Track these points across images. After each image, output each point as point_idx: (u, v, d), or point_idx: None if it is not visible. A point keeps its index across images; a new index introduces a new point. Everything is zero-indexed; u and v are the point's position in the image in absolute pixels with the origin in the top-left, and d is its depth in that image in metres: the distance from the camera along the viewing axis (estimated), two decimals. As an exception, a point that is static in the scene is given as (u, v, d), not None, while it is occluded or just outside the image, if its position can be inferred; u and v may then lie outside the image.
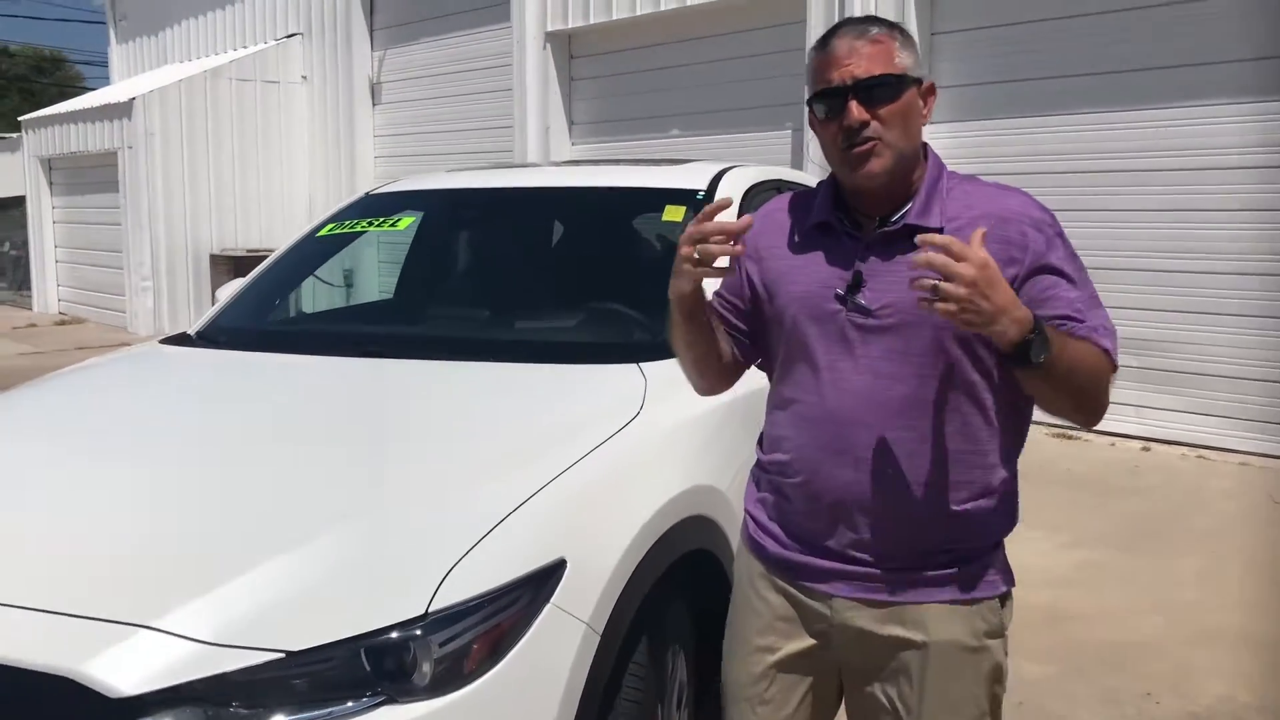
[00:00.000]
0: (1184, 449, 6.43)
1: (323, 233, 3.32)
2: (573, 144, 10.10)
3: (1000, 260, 1.63)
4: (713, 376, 1.99)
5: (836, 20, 7.97)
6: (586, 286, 2.99)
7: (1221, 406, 6.40)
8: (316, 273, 6.27)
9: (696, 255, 1.71)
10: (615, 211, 3.16)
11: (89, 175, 13.35)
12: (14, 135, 15.36)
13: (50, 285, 14.70)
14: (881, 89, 1.73)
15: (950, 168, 1.88)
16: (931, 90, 1.82)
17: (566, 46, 10.06)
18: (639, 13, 9.11)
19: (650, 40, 9.30)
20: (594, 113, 9.99)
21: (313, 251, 3.39)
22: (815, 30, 7.83)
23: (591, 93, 9.99)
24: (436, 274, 3.48)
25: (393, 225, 3.17)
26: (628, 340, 2.72)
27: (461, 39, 11.06)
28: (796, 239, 1.89)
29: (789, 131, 8.38)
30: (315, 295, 8.00)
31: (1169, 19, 6.35)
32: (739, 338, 1.97)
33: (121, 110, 12.10)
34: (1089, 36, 6.69)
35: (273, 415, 2.31)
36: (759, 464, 1.96)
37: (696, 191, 3.06)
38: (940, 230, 1.71)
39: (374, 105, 12.21)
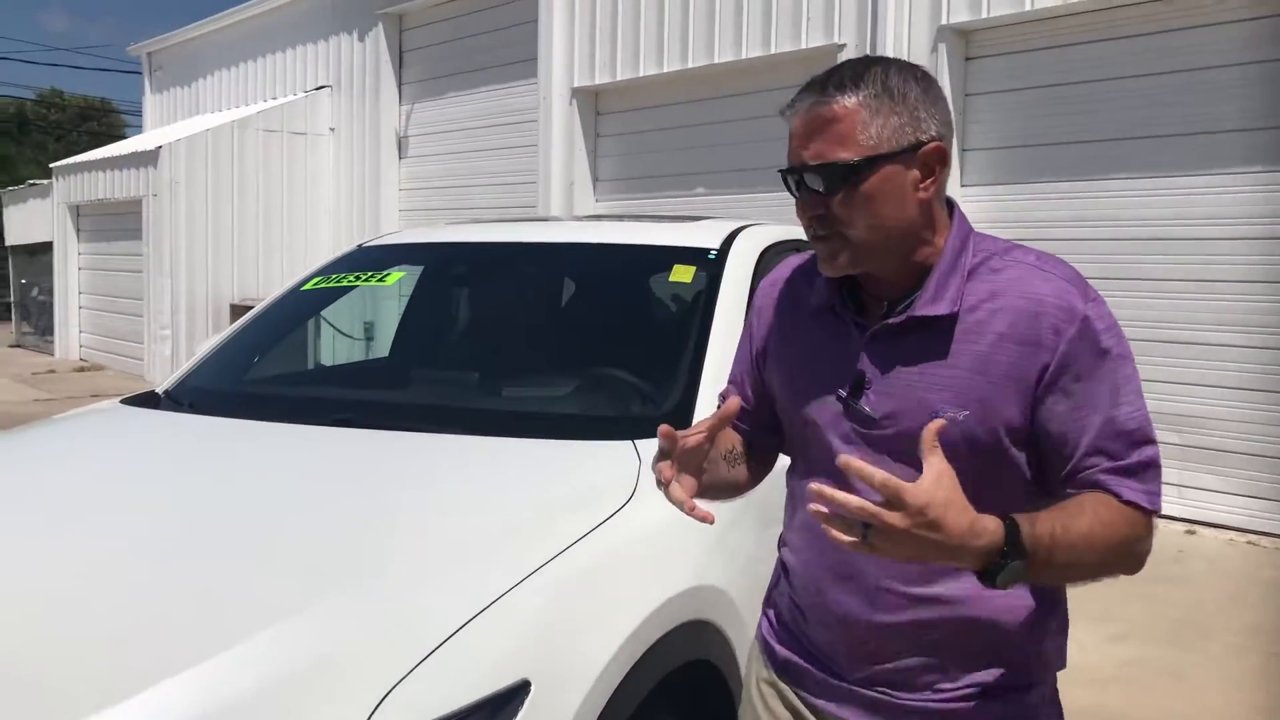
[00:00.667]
0: (1231, 533, 6.06)
1: (309, 286, 3.10)
2: (596, 200, 9.94)
3: (1025, 364, 1.42)
4: (734, 490, 1.73)
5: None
6: (585, 350, 2.73)
7: (1269, 489, 6.03)
8: (334, 323, 6.00)
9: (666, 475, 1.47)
10: (620, 270, 2.92)
11: (115, 222, 13.35)
12: (47, 181, 15.44)
13: (73, 331, 14.66)
14: (830, 178, 1.45)
15: (982, 229, 1.57)
16: (939, 155, 1.48)
17: (593, 103, 9.94)
18: (666, 69, 8.98)
19: (677, 98, 9.16)
20: (619, 169, 9.83)
21: (298, 306, 3.17)
22: (845, 89, 7.60)
23: (617, 149, 9.84)
24: (428, 334, 3.24)
25: (380, 280, 2.94)
26: (623, 413, 2.45)
27: (488, 94, 10.99)
28: (800, 320, 1.64)
29: (817, 192, 8.14)
30: (335, 348, 7.79)
31: (1207, 84, 6.11)
32: (759, 435, 1.73)
33: (148, 158, 12.09)
34: (1122, 99, 6.45)
35: (219, 495, 2.05)
36: (780, 555, 1.74)
37: (708, 250, 2.81)
38: (954, 319, 1.46)
39: (400, 158, 12.15)
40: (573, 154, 9.89)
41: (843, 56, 7.69)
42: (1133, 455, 1.42)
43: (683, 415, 2.33)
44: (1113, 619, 4.60)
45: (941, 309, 1.46)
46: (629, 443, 2.19)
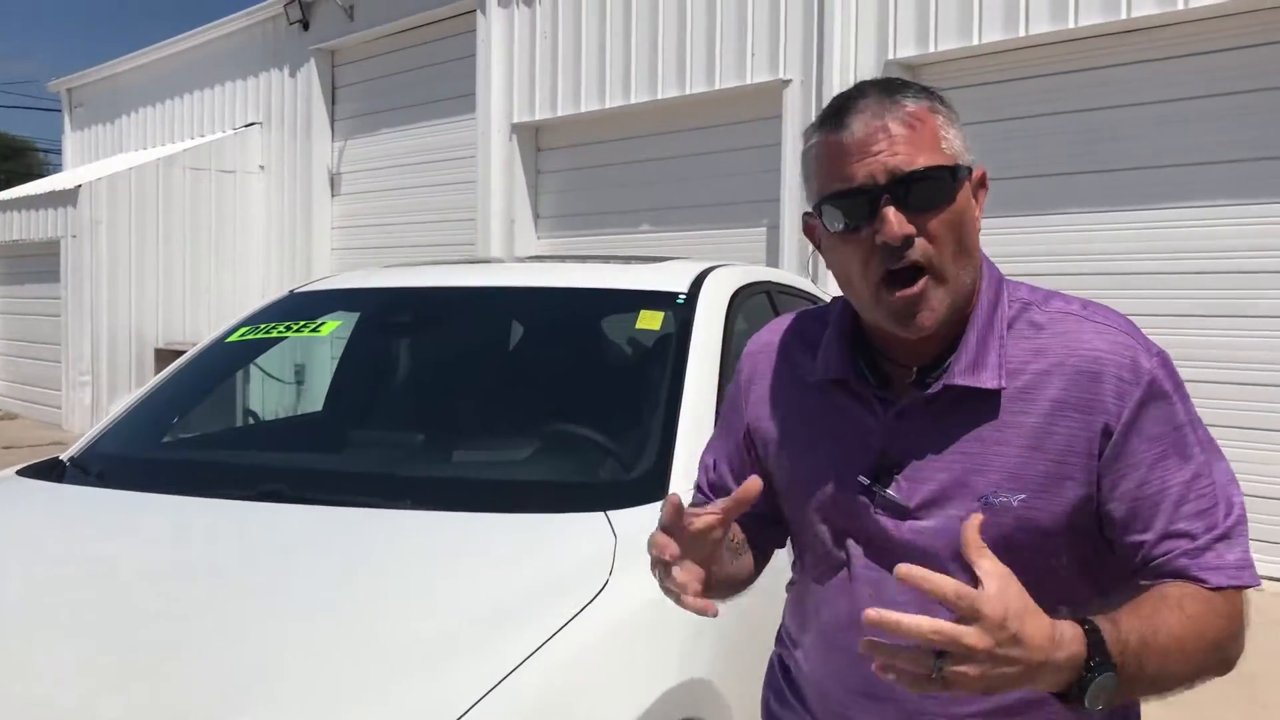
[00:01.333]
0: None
1: (234, 337, 2.80)
2: (538, 238, 9.70)
3: (1085, 433, 1.21)
4: (738, 587, 1.46)
5: (814, 115, 7.78)
6: (544, 407, 2.47)
7: (1263, 531, 5.93)
8: (263, 367, 5.61)
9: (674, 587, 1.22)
10: (579, 316, 2.67)
11: (31, 264, 12.77)
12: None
13: (-13, 379, 14.00)
14: (930, 189, 1.20)
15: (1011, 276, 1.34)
16: (983, 182, 1.29)
17: (533, 138, 9.72)
18: (608, 105, 8.80)
19: (620, 134, 8.98)
20: (561, 206, 9.61)
21: (222, 359, 2.86)
22: (792, 127, 7.51)
23: (558, 186, 9.63)
24: (366, 388, 2.95)
25: (314, 330, 2.65)
26: (593, 478, 2.19)
27: (425, 130, 10.73)
28: (802, 394, 1.38)
29: (764, 229, 8.01)
30: (264, 393, 7.39)
31: (1171, 116, 6.07)
32: (756, 526, 1.45)
33: (66, 198, 11.60)
34: (1075, 133, 6.39)
35: (122, 597, 1.74)
36: (779, 655, 1.52)
37: (676, 295, 2.58)
38: (999, 394, 1.23)
39: (333, 196, 11.80)
40: (513, 190, 9.65)
41: (788, 92, 7.58)
42: (1216, 534, 1.19)
43: (657, 478, 2.09)
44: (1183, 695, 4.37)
45: (986, 381, 1.24)
46: (601, 515, 1.94)
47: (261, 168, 12.43)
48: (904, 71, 7.04)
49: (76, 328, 11.61)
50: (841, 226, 1.24)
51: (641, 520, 1.94)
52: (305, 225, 11.85)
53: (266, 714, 1.38)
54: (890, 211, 1.19)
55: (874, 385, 1.31)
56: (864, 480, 1.29)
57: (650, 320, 2.51)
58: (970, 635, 1.00)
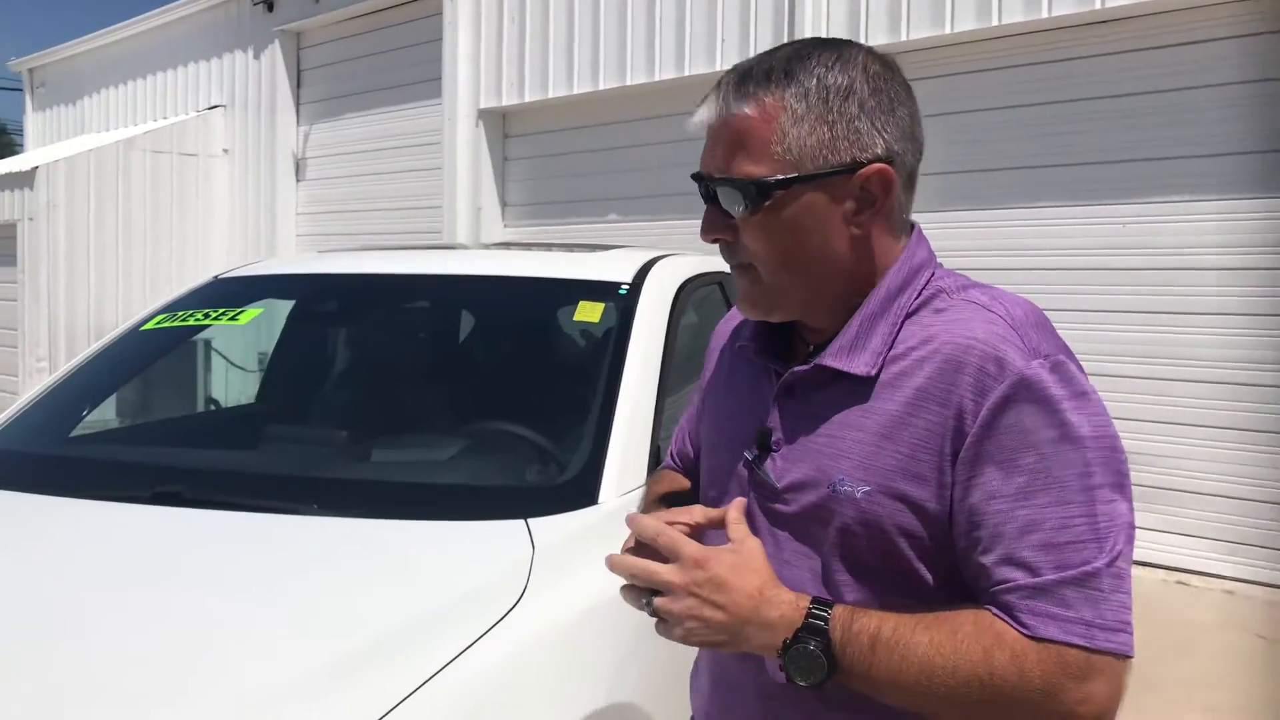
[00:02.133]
0: (1162, 573, 5.86)
1: (150, 325, 2.63)
2: (505, 226, 9.52)
3: (943, 429, 1.11)
4: None
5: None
6: (472, 404, 2.32)
7: (1202, 527, 5.85)
8: (224, 353, 5.39)
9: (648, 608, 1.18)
10: (515, 307, 2.51)
11: (-13, 248, 12.48)
12: (-86, 204, 14.43)
13: (-58, 363, 13.68)
14: (733, 197, 1.17)
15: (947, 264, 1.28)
16: (882, 181, 1.20)
17: (500, 125, 9.53)
18: (576, 92, 8.62)
19: (589, 120, 8.80)
20: (529, 194, 9.43)
21: (135, 349, 2.68)
22: (762, 113, 7.36)
23: (526, 173, 9.44)
24: (293, 382, 2.78)
25: (233, 319, 2.48)
26: (515, 481, 2.04)
27: (391, 114, 10.51)
28: (730, 363, 1.42)
29: (733, 219, 7.86)
30: (228, 383, 7.17)
31: (1137, 109, 5.96)
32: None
33: (23, 180, 11.31)
34: (1048, 126, 6.28)
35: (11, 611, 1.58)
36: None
37: (619, 285, 2.43)
38: (875, 378, 1.17)
39: (298, 181, 11.57)
40: (479, 178, 9.46)
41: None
42: (1068, 571, 1.05)
43: (587, 483, 1.94)
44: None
45: (857, 367, 1.19)
46: (520, 523, 1.79)
47: (225, 151, 12.17)
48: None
49: (33, 312, 11.34)
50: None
51: (565, 529, 1.80)
52: (270, 210, 11.61)
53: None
54: (706, 212, 1.23)
55: (771, 357, 1.29)
56: (748, 454, 1.28)
57: (589, 312, 2.36)
58: (666, 571, 1.08)
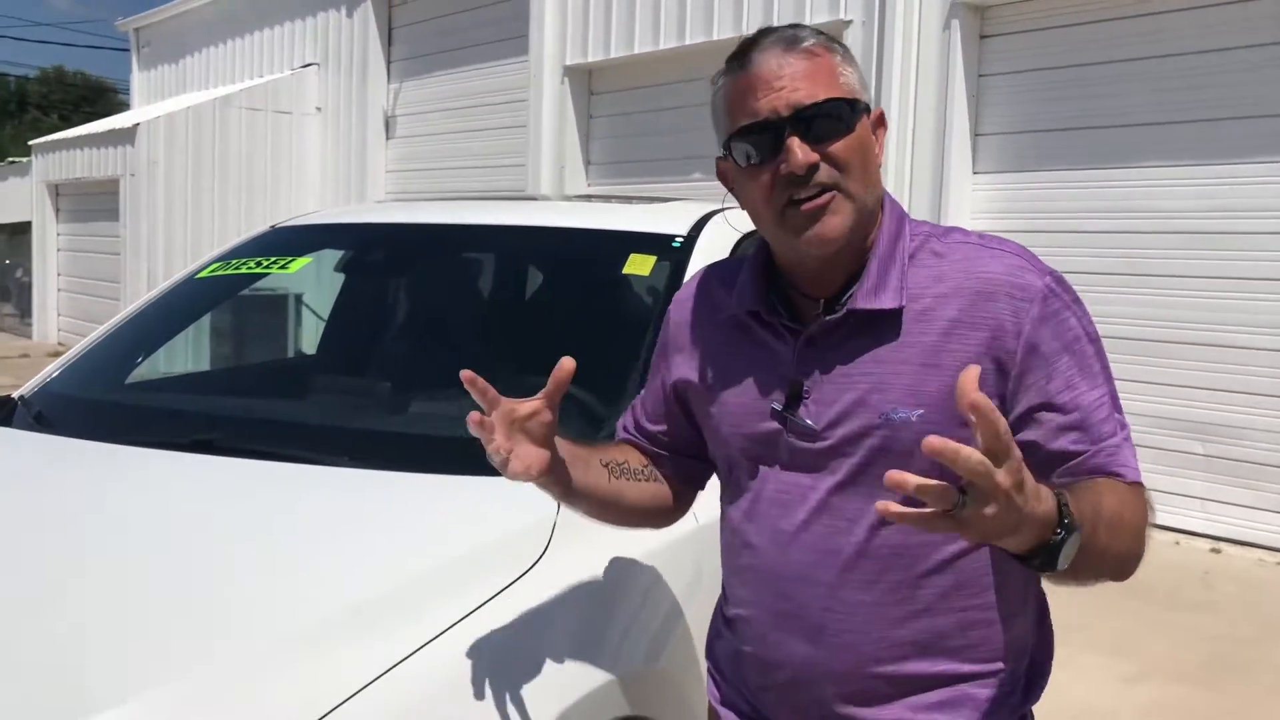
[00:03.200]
0: (1261, 552, 5.59)
1: (204, 273, 2.62)
2: (589, 184, 9.47)
3: (987, 358, 1.27)
4: (647, 519, 1.54)
5: (875, 59, 7.26)
6: (515, 356, 2.26)
7: (1306, 506, 5.55)
8: (313, 308, 5.46)
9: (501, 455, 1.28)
10: (567, 259, 2.44)
11: (94, 202, 12.91)
12: (27, 159, 15.01)
13: (51, 314, 14.23)
14: (831, 120, 1.29)
15: (1004, 233, 1.40)
16: (881, 121, 1.38)
17: (586, 82, 9.46)
18: (662, 47, 8.50)
19: (674, 77, 8.68)
20: (612, 152, 9.36)
21: (190, 297, 2.68)
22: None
23: (610, 130, 9.36)
24: (347, 332, 2.76)
25: (283, 268, 2.46)
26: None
27: (478, 72, 10.52)
28: (719, 332, 1.46)
29: (819, 178, 7.68)
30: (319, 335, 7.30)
31: (1244, 65, 5.60)
32: (682, 460, 1.55)
33: (125, 136, 11.65)
34: (1152, 81, 5.95)
35: (32, 556, 1.58)
36: (715, 614, 1.54)
37: (673, 238, 2.33)
38: (899, 317, 1.31)
39: (387, 139, 11.68)
40: (564, 135, 9.42)
41: (849, 33, 7.21)
42: (1122, 436, 1.30)
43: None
44: (1129, 654, 4.13)
45: (886, 302, 1.31)
46: (549, 479, 1.72)
47: (318, 109, 12.35)
48: (971, 13, 6.64)
49: (134, 266, 11.71)
50: (750, 160, 1.31)
51: (596, 487, 1.73)
52: (360, 168, 11.76)
53: (154, 696, 1.20)
54: (794, 142, 1.27)
55: (784, 316, 1.37)
56: (776, 406, 1.35)
57: (640, 265, 2.27)
58: (1000, 473, 1.02)
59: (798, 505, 1.34)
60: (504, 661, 1.40)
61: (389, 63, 11.68)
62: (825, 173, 1.28)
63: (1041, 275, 1.32)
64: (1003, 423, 1.01)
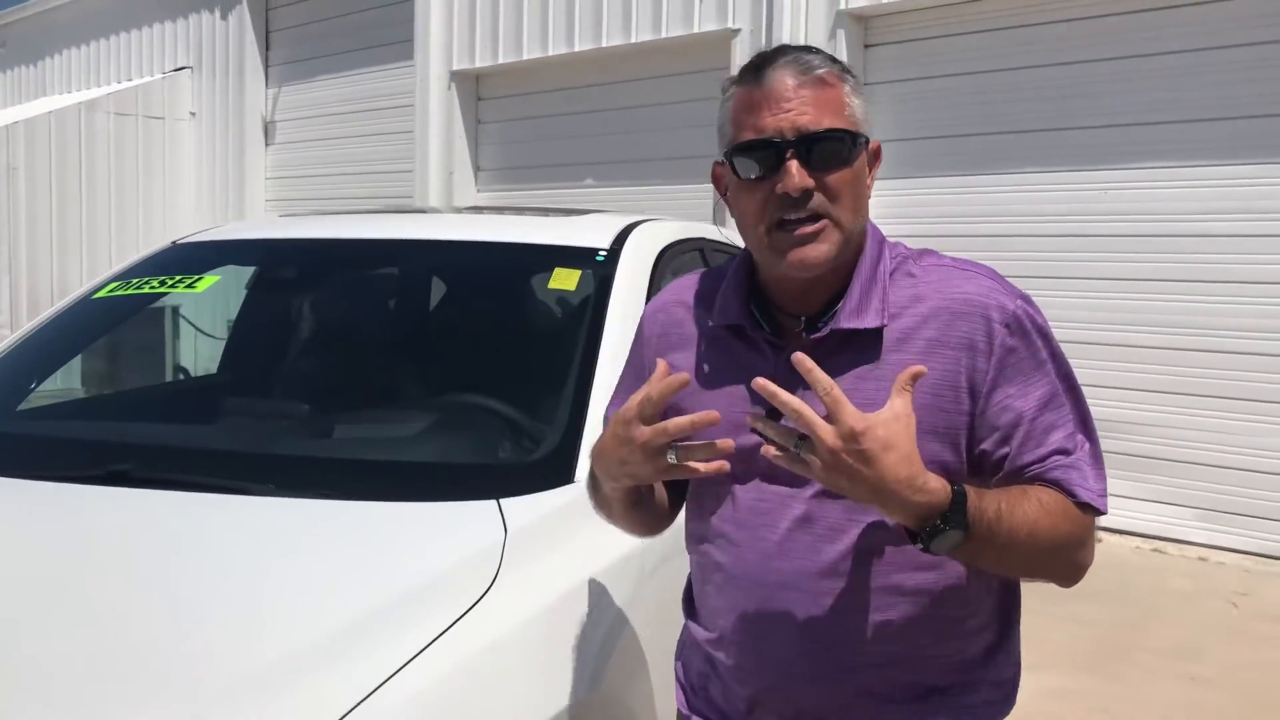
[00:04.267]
0: (1138, 540, 5.86)
1: (103, 293, 2.50)
2: (478, 190, 9.37)
3: (960, 369, 1.34)
4: (647, 528, 1.56)
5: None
6: (442, 375, 2.21)
7: (1179, 495, 5.85)
8: (192, 321, 5.22)
9: (673, 459, 1.28)
10: (488, 274, 2.40)
11: (-53, 212, 12.18)
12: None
13: (-98, 331, 13.40)
14: (832, 149, 1.33)
15: (893, 238, 1.48)
16: (878, 154, 1.44)
17: (474, 87, 9.36)
18: (551, 53, 8.46)
19: (564, 83, 8.65)
20: (502, 158, 9.28)
21: (86, 319, 2.55)
22: (741, 76, 7.25)
23: (500, 137, 9.28)
24: (254, 353, 2.66)
25: (190, 287, 2.36)
26: (486, 459, 1.94)
27: (362, 77, 10.30)
28: (700, 345, 1.48)
29: (711, 185, 7.74)
30: (197, 349, 7.02)
31: (1122, 74, 5.88)
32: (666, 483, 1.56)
33: (-18, 142, 11.02)
34: (1030, 90, 6.19)
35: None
36: (686, 625, 1.55)
37: (596, 251, 2.33)
38: (880, 336, 1.36)
39: (267, 145, 11.35)
40: (452, 141, 9.29)
41: (738, 42, 7.30)
42: (1080, 455, 1.35)
43: (563, 458, 1.85)
44: (1026, 643, 4.28)
45: (869, 322, 1.37)
46: (491, 503, 1.69)
47: (192, 114, 11.91)
48: (855, 23, 6.80)
49: (-6, 279, 11.10)
50: (750, 174, 1.34)
51: (539, 510, 1.71)
52: (238, 175, 11.39)
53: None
54: (793, 165, 1.31)
55: (767, 331, 1.41)
56: (759, 412, 1.34)
57: (565, 279, 2.25)
58: (824, 430, 1.15)
59: (779, 516, 1.37)
60: (457, 703, 1.37)
61: (267, 67, 11.35)
62: (818, 200, 1.33)
63: (1013, 298, 1.38)
64: (830, 387, 1.15)
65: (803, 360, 1.17)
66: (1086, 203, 6.03)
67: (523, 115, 9.07)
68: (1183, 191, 5.72)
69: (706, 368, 1.45)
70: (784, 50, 1.38)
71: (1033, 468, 1.34)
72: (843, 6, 6.74)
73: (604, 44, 8.13)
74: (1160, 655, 4.30)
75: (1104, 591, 5.05)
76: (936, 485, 1.19)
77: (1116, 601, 4.93)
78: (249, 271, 2.78)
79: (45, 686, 1.27)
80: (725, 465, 1.29)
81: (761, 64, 1.36)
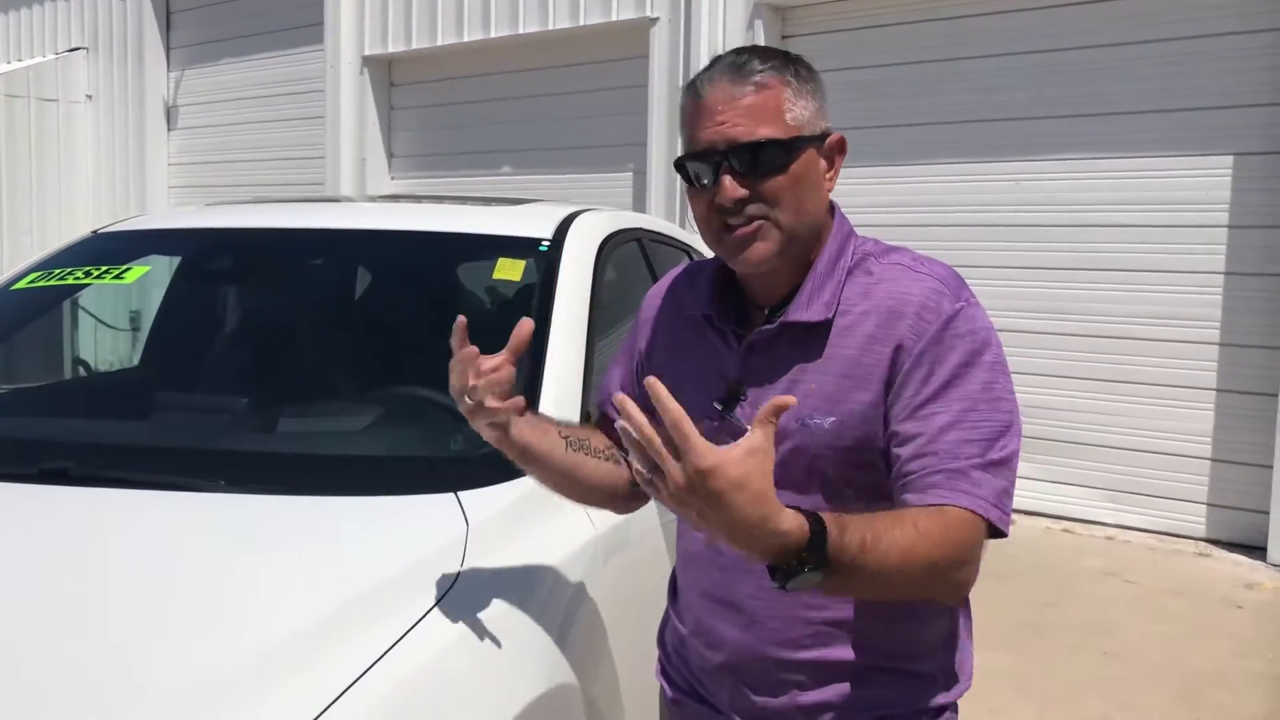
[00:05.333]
0: (1048, 521, 6.06)
1: (23, 284, 2.40)
2: (392, 178, 9.22)
3: (888, 364, 1.35)
4: (606, 500, 1.59)
5: (682, 57, 7.40)
6: (390, 368, 2.17)
7: (1088, 476, 6.06)
8: (93, 312, 5.02)
9: (469, 402, 1.39)
10: (433, 265, 2.37)
11: None
12: None
13: None
14: (767, 157, 1.36)
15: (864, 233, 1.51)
16: (841, 146, 1.46)
17: (386, 73, 9.20)
18: (466, 39, 8.36)
19: (479, 70, 8.55)
20: (416, 145, 9.14)
21: (6, 310, 2.44)
22: (659, 68, 7.28)
23: (414, 123, 9.14)
24: (184, 345, 2.58)
25: (118, 277, 2.28)
26: (439, 451, 1.92)
27: (270, 60, 10.04)
28: (680, 329, 1.56)
29: (630, 174, 7.76)
30: (97, 340, 6.77)
31: (1035, 68, 6.04)
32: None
33: None
34: (947, 83, 6.33)
35: None
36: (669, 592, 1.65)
37: (539, 241, 2.31)
38: (828, 325, 1.40)
39: (170, 130, 10.99)
40: (364, 128, 9.12)
41: (656, 31, 7.31)
42: (975, 461, 1.29)
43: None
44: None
45: (814, 315, 1.40)
46: (450, 496, 1.67)
47: (89, 97, 11.47)
48: (773, 14, 6.86)
49: (-124, 269, 10.57)
50: (696, 182, 1.40)
51: (499, 502, 1.70)
52: (139, 161, 11.01)
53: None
54: (726, 179, 1.35)
55: (732, 321, 1.47)
56: (717, 406, 1.44)
57: (510, 270, 2.23)
58: (672, 466, 1.09)
59: None
60: (435, 687, 1.35)
61: (168, 49, 10.99)
62: (755, 206, 1.37)
63: (955, 301, 1.37)
64: (679, 419, 1.09)
65: (653, 385, 1.12)
66: (999, 194, 6.20)
67: (438, 102, 8.94)
68: (1087, 183, 5.91)
69: (684, 351, 1.52)
70: (722, 58, 1.41)
71: (916, 473, 1.31)
72: (761, -2, 6.80)
73: (521, 31, 8.06)
74: (1074, 631, 4.46)
75: (1018, 571, 5.21)
76: (792, 525, 1.13)
77: (1031, 581, 5.09)
78: (175, 262, 2.69)
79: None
80: (520, 402, 1.39)
81: (705, 70, 1.41)
